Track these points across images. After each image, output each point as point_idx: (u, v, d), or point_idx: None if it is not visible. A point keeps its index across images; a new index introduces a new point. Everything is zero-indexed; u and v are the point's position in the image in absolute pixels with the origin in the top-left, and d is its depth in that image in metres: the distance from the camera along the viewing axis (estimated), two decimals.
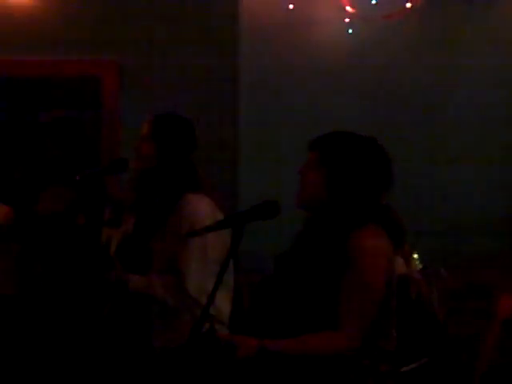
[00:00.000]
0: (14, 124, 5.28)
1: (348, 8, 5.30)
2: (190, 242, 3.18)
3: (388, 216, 2.62)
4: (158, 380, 3.25)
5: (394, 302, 2.65)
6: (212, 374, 2.77)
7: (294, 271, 2.61)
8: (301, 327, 2.52)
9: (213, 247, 3.22)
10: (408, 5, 5.28)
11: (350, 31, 5.34)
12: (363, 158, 2.59)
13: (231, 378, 2.74)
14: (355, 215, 2.55)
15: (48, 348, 4.07)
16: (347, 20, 5.32)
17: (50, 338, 4.05)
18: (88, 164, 3.94)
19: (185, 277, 3.22)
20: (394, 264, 2.63)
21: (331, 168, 2.56)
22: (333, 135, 2.65)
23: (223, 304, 3.39)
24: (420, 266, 4.07)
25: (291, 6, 5.26)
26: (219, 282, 2.50)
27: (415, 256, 4.06)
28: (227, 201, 3.52)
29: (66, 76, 5.25)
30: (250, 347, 2.43)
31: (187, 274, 3.22)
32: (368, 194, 2.58)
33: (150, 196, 3.38)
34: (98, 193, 3.88)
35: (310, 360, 2.51)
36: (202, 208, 3.28)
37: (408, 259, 3.99)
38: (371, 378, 2.54)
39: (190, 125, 3.45)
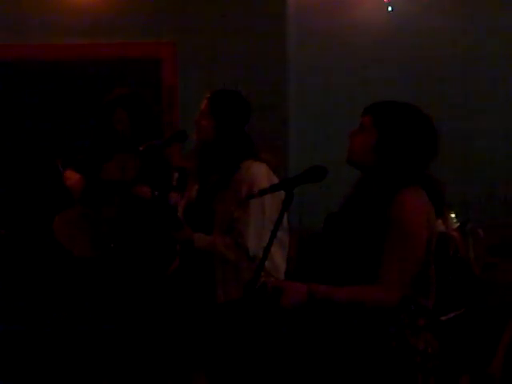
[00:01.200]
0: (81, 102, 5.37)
1: None
2: (248, 204, 3.27)
3: (431, 183, 2.63)
4: (222, 333, 3.32)
5: (433, 261, 2.65)
6: (264, 322, 2.83)
7: (343, 229, 2.66)
8: (348, 281, 2.56)
9: (270, 208, 3.31)
10: None
11: (390, 9, 5.33)
12: (413, 125, 2.61)
13: (279, 323, 2.80)
14: (400, 177, 2.58)
15: (118, 308, 4.15)
16: None
17: (125, 298, 4.12)
18: (152, 136, 4.01)
19: (245, 236, 3.33)
20: (434, 224, 2.63)
21: (382, 131, 2.58)
22: (387, 102, 2.66)
23: (279, 260, 3.49)
24: (457, 224, 4.07)
25: None
26: (273, 238, 2.58)
27: (452, 215, 4.07)
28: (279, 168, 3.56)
29: (127, 57, 5.32)
30: (299, 292, 2.47)
31: (247, 234, 3.33)
32: (414, 160, 2.60)
33: (211, 164, 3.47)
34: (162, 162, 3.95)
35: (352, 312, 2.56)
36: (260, 173, 3.38)
37: (446, 217, 4.00)
38: (409, 330, 2.58)
39: (244, 99, 3.52)
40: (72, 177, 4.21)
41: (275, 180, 3.37)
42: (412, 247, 2.52)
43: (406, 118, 2.61)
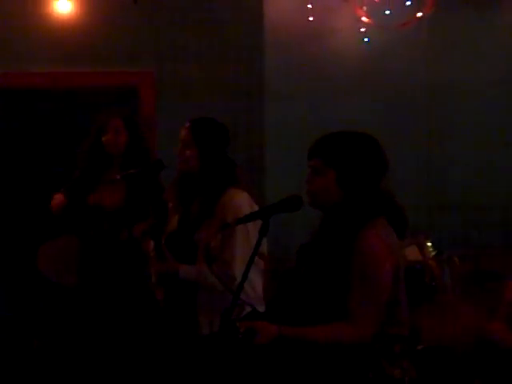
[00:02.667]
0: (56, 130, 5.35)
1: (364, 18, 5.36)
2: (233, 232, 3.25)
3: (394, 210, 2.64)
4: (206, 365, 3.29)
5: (403, 292, 2.64)
6: (234, 359, 2.81)
7: (313, 266, 2.66)
8: (318, 317, 2.56)
9: (254, 237, 3.28)
10: (419, 14, 5.31)
11: (366, 40, 5.40)
12: (362, 150, 2.61)
13: (251, 362, 2.78)
14: (365, 210, 2.58)
15: (101, 337, 4.10)
16: (363, 29, 5.38)
17: (106, 328, 4.07)
18: (142, 161, 3.97)
19: (231, 265, 3.29)
20: (399, 253, 2.63)
21: (338, 168, 2.57)
22: (327, 139, 2.64)
23: (259, 287, 3.47)
24: (434, 253, 4.09)
25: (311, 18, 5.32)
26: (250, 266, 2.57)
27: (429, 244, 4.09)
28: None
29: (104, 86, 5.32)
30: (270, 333, 2.47)
31: (233, 262, 3.29)
32: (373, 182, 2.61)
33: (195, 192, 3.44)
34: (146, 190, 3.92)
35: (325, 346, 2.56)
36: (244, 201, 3.36)
37: (422, 247, 4.02)
38: (384, 359, 2.57)
39: (223, 125, 3.52)
40: (57, 200, 4.17)
41: (256, 208, 3.35)
42: (377, 283, 2.52)
43: (352, 146, 2.61)
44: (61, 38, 5.21)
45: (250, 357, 2.68)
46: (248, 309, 2.97)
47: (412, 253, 3.96)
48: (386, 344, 2.57)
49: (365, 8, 5.35)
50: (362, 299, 2.50)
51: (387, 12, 5.33)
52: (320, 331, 2.53)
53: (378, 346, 2.56)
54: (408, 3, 5.32)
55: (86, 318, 4.08)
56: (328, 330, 2.53)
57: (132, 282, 3.98)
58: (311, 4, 5.29)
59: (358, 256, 2.51)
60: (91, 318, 4.06)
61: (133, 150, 4.10)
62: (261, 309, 3.40)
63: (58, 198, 4.13)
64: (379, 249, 2.52)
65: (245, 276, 2.58)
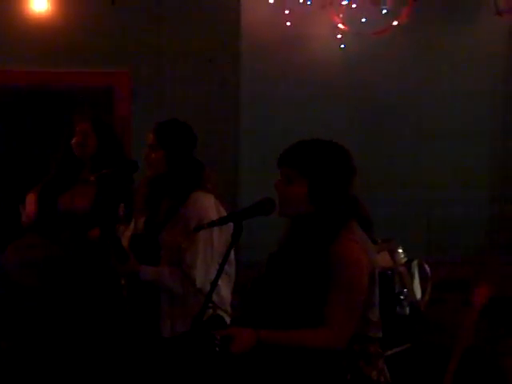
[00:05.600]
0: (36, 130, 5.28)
1: (340, 25, 5.38)
2: (197, 235, 3.23)
3: (360, 212, 2.63)
4: (167, 367, 3.27)
5: (377, 294, 2.64)
6: (209, 365, 2.79)
7: (285, 274, 2.64)
8: (291, 324, 2.54)
9: (218, 241, 3.26)
10: (395, 22, 5.35)
11: (342, 46, 5.42)
12: (333, 159, 2.58)
13: (227, 369, 2.76)
14: (340, 214, 2.57)
15: (64, 339, 4.05)
16: (339, 36, 5.40)
17: (67, 329, 4.03)
18: (114, 163, 3.93)
19: (192, 268, 3.26)
20: (374, 260, 2.60)
21: (310, 177, 2.56)
22: (299, 148, 2.63)
23: (226, 293, 3.44)
24: (405, 259, 4.10)
25: (288, 24, 5.32)
26: (221, 271, 2.55)
27: (400, 250, 4.10)
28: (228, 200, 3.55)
29: (80, 86, 5.26)
30: (247, 338, 2.44)
31: (194, 266, 3.26)
32: (344, 189, 2.59)
33: (161, 195, 3.42)
34: (119, 191, 3.88)
35: (301, 350, 2.54)
36: (209, 205, 3.33)
37: (393, 253, 4.03)
38: (361, 360, 2.57)
39: (189, 126, 3.49)
40: (28, 206, 4.13)
41: (223, 211, 3.33)
42: (355, 288, 2.50)
43: (324, 156, 2.58)
44: (36, 37, 5.13)
45: (224, 361, 2.66)
46: (215, 311, 2.96)
47: (383, 259, 3.97)
48: (362, 345, 2.56)
49: (341, 15, 5.38)
50: (340, 305, 2.48)
51: (363, 20, 5.37)
52: (297, 335, 2.51)
53: (355, 348, 2.55)
54: (384, 12, 5.36)
55: (48, 319, 4.05)
56: (306, 334, 2.51)
57: (99, 283, 3.94)
58: (288, 10, 5.30)
59: (334, 262, 2.49)
60: (53, 320, 4.03)
61: (103, 152, 4.07)
62: (227, 313, 3.39)
63: (29, 207, 4.10)
64: (356, 254, 2.50)
65: (215, 281, 2.54)
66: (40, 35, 5.15)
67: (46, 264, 4.04)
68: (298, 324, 2.53)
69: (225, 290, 3.42)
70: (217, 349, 2.41)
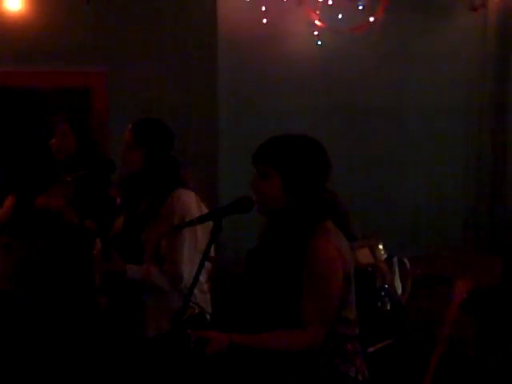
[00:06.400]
0: (12, 130, 5.22)
1: (317, 22, 5.37)
2: (181, 232, 3.21)
3: (336, 208, 2.62)
4: (152, 366, 3.25)
5: (353, 292, 2.63)
6: (185, 367, 2.78)
7: (261, 271, 2.63)
8: (268, 323, 2.54)
9: (201, 237, 3.25)
10: (371, 18, 5.35)
11: (319, 43, 5.40)
12: (307, 153, 2.58)
13: (202, 371, 2.75)
14: (315, 211, 2.56)
15: (44, 343, 4.01)
16: (316, 33, 5.39)
17: (46, 333, 3.99)
18: (91, 163, 3.90)
19: (178, 264, 3.25)
20: (349, 259, 2.59)
21: (283, 171, 2.54)
22: (272, 143, 2.60)
23: (206, 289, 3.44)
24: (385, 256, 4.10)
25: (265, 21, 5.30)
26: (201, 268, 2.54)
27: (380, 247, 4.10)
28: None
29: (56, 86, 5.21)
30: (221, 342, 2.43)
31: (181, 262, 3.25)
32: (319, 184, 2.59)
33: (140, 193, 3.39)
34: (94, 192, 3.86)
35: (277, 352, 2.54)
36: (191, 202, 3.32)
37: (374, 250, 4.03)
38: (338, 358, 2.57)
39: (166, 125, 3.47)
40: (4, 207, 4.09)
41: (204, 209, 3.33)
42: (329, 289, 2.50)
43: (296, 149, 2.57)
44: (10, 36, 5.06)
45: (200, 363, 2.65)
46: (196, 310, 2.94)
47: (364, 255, 3.97)
48: (338, 343, 2.56)
49: (318, 12, 5.37)
50: (314, 305, 2.48)
51: (340, 16, 5.37)
52: (271, 338, 2.50)
53: (330, 346, 2.55)
54: (360, 8, 5.36)
55: (23, 324, 4.01)
56: (279, 337, 2.51)
57: (75, 286, 3.91)
58: (265, 6, 5.28)
59: (309, 262, 2.48)
60: (29, 324, 3.99)
61: (81, 153, 4.04)
62: (208, 310, 3.38)
63: (5, 205, 4.06)
64: (330, 254, 2.49)
65: (195, 279, 2.54)
66: (15, 34, 5.08)
67: (18, 267, 4.01)
68: (276, 321, 2.53)
69: (205, 286, 3.42)
70: (191, 350, 2.42)
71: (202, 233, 3.22)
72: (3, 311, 4.09)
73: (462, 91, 5.79)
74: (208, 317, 3.27)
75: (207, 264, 3.35)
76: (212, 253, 3.34)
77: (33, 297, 3.98)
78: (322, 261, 2.48)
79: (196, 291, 3.23)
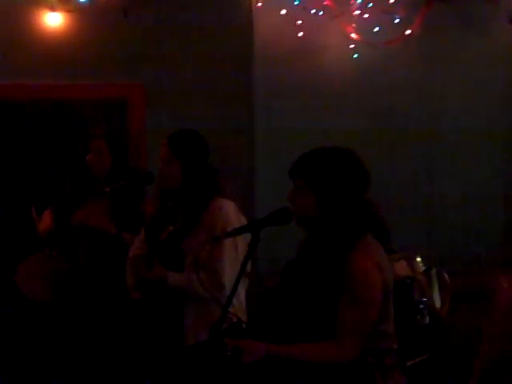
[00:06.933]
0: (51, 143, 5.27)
1: (353, 35, 5.36)
2: (223, 242, 3.23)
3: (377, 223, 2.60)
4: (190, 374, 3.25)
5: (392, 306, 2.60)
6: (220, 377, 2.78)
7: (299, 284, 2.62)
8: (304, 335, 2.53)
9: (241, 248, 3.26)
10: (407, 32, 5.33)
11: (355, 56, 5.39)
12: (340, 167, 2.55)
13: (239, 381, 2.75)
14: (354, 226, 2.54)
15: (83, 354, 4.03)
16: (352, 46, 5.38)
17: (85, 344, 4.02)
18: (126, 177, 3.94)
19: (220, 273, 3.26)
20: (389, 274, 2.57)
21: (316, 188, 2.54)
22: (304, 159, 2.60)
23: (243, 300, 3.44)
24: (423, 268, 4.06)
25: (301, 34, 5.30)
26: (239, 279, 2.56)
27: (418, 259, 4.06)
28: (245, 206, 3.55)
29: (94, 99, 5.26)
30: (257, 352, 2.44)
31: (223, 271, 3.26)
32: (357, 197, 2.56)
33: (182, 204, 3.41)
34: (130, 203, 3.89)
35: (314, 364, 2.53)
36: (231, 211, 3.33)
37: (411, 262, 3.99)
38: (377, 372, 2.54)
39: (201, 135, 3.48)
40: (44, 221, 4.14)
41: (242, 218, 3.36)
42: (366, 307, 2.49)
43: (333, 168, 2.55)
44: (50, 50, 5.13)
45: (238, 374, 2.65)
46: (234, 319, 2.94)
47: (401, 267, 3.94)
48: (377, 358, 2.54)
49: (354, 25, 5.37)
50: (352, 320, 2.46)
51: (376, 29, 5.36)
52: (306, 350, 2.49)
53: (369, 360, 2.52)
54: (397, 21, 5.34)
55: (61, 334, 4.04)
56: (315, 349, 2.50)
57: (113, 299, 3.93)
58: (301, 20, 5.29)
59: (348, 277, 2.47)
60: (67, 334, 4.02)
61: (117, 168, 4.08)
62: (244, 320, 3.37)
63: (45, 221, 4.11)
64: (370, 269, 2.48)
65: (234, 289, 2.55)
66: (55, 49, 5.15)
67: (58, 278, 4.04)
68: (312, 333, 2.52)
69: (243, 297, 3.43)
70: (227, 359, 2.42)
71: (242, 242, 3.23)
72: (42, 322, 4.13)
73: (501, 105, 5.73)
74: (244, 326, 3.27)
75: (244, 277, 3.35)
76: (248, 267, 3.34)
77: (71, 309, 4.01)
78: (361, 274, 2.46)
79: (234, 301, 3.24)
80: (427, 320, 3.84)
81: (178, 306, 3.33)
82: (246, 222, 3.25)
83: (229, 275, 3.24)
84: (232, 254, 3.28)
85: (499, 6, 5.59)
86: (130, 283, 3.52)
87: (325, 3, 5.28)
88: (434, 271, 4.07)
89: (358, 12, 5.32)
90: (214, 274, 3.26)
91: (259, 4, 5.27)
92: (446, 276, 4.14)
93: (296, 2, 5.25)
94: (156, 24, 5.23)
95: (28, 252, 4.23)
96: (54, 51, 5.14)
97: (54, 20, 5.13)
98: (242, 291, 3.41)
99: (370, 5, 5.30)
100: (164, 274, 3.29)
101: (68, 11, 5.10)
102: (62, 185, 4.26)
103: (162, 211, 3.48)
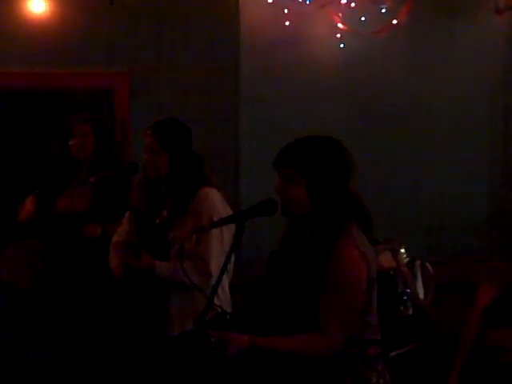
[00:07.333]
0: (35, 131, 5.25)
1: (340, 25, 5.36)
2: (209, 231, 3.21)
3: (359, 208, 2.60)
4: (175, 364, 3.25)
5: (375, 298, 2.60)
6: (204, 368, 2.79)
7: (284, 274, 2.62)
8: (289, 326, 2.54)
9: (227, 237, 3.26)
10: (394, 21, 5.33)
11: (342, 46, 5.39)
12: (329, 155, 2.54)
13: (222, 373, 2.75)
14: (340, 214, 2.53)
15: (65, 341, 4.03)
16: (339, 35, 5.37)
17: (68, 331, 4.01)
18: (111, 165, 3.92)
19: (207, 262, 3.26)
20: (373, 264, 2.56)
21: (310, 178, 2.52)
22: (293, 147, 2.57)
23: (228, 290, 3.46)
24: (407, 259, 4.07)
25: (287, 23, 5.29)
26: (225, 269, 2.56)
27: (402, 250, 4.07)
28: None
29: (79, 87, 5.23)
30: (241, 344, 2.44)
31: (209, 260, 3.27)
32: (343, 186, 2.56)
33: (166, 194, 3.40)
34: (116, 193, 3.88)
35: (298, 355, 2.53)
36: (218, 200, 3.34)
37: (396, 253, 4.01)
38: (360, 363, 2.55)
39: (181, 122, 3.47)
40: (25, 207, 4.11)
41: (227, 206, 3.36)
42: (351, 296, 2.49)
43: (322, 154, 2.54)
44: (35, 38, 5.09)
45: (222, 365, 2.65)
46: (218, 310, 2.95)
47: (386, 259, 3.95)
48: (361, 348, 2.55)
49: (341, 14, 5.35)
50: (337, 310, 2.46)
51: (363, 18, 5.34)
52: (291, 342, 2.49)
53: (353, 351, 2.53)
54: (383, 10, 5.33)
55: (47, 322, 4.03)
56: (300, 340, 2.50)
57: (97, 285, 3.92)
58: (287, 9, 5.27)
59: (332, 266, 2.46)
60: (52, 322, 4.01)
61: (101, 154, 4.06)
62: (228, 310, 3.39)
63: (27, 206, 4.08)
64: (354, 258, 2.47)
65: (219, 279, 2.55)
66: (38, 36, 5.10)
67: (44, 266, 4.02)
68: (297, 324, 2.52)
69: (227, 287, 3.44)
70: (212, 351, 2.41)
71: (228, 232, 3.23)
72: (26, 309, 4.12)
73: (487, 94, 5.74)
74: (228, 317, 3.27)
75: (228, 266, 3.36)
76: (232, 257, 3.35)
77: (55, 295, 4.00)
78: (345, 265, 2.46)
79: (219, 291, 3.25)
80: (410, 311, 3.86)
81: (164, 296, 3.34)
82: (231, 211, 3.25)
83: (215, 264, 3.24)
84: (219, 244, 3.29)
85: None
86: (114, 265, 3.50)
87: None
88: (417, 262, 4.09)
89: (344, 1, 5.30)
90: (202, 261, 3.26)
91: None
92: (430, 267, 4.16)
93: None
94: (141, 11, 5.20)
95: (11, 240, 4.21)
96: (38, 38, 5.10)
97: (37, 7, 5.08)
98: (226, 282, 3.42)
99: None
100: (152, 263, 3.29)
101: None
102: (45, 171, 4.24)
103: (153, 198, 3.47)
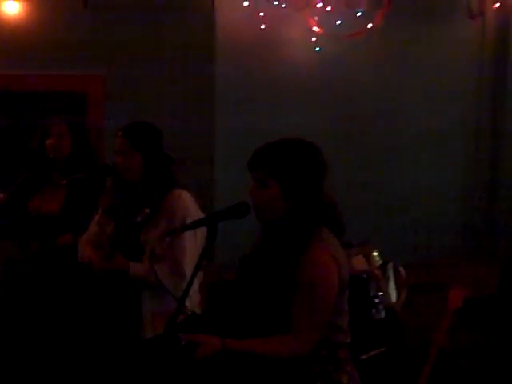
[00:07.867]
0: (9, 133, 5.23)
1: (315, 28, 5.38)
2: (183, 233, 3.22)
3: (332, 211, 2.61)
4: (147, 367, 3.25)
5: (346, 300, 2.60)
6: (174, 371, 2.79)
7: (255, 277, 2.62)
8: (261, 329, 2.53)
9: (200, 239, 3.26)
10: (369, 25, 5.37)
11: (318, 49, 5.41)
12: (302, 157, 2.54)
13: (192, 375, 2.75)
14: (312, 217, 2.54)
15: (33, 345, 4.01)
16: (314, 39, 5.39)
17: (34, 336, 3.99)
18: (87, 166, 3.92)
19: (182, 263, 3.26)
20: (344, 267, 2.55)
21: (281, 179, 2.50)
22: (266, 150, 2.56)
23: (198, 290, 3.45)
24: (380, 263, 4.11)
25: (263, 26, 5.31)
26: (196, 271, 2.56)
27: (375, 253, 4.10)
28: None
29: (53, 90, 5.21)
30: (212, 346, 2.42)
31: (184, 261, 3.26)
32: (316, 189, 2.55)
33: (137, 196, 3.40)
34: (89, 195, 3.87)
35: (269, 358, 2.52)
36: (190, 202, 3.34)
37: (369, 256, 4.04)
38: (331, 365, 2.56)
39: (152, 124, 3.48)
40: None
41: (198, 209, 3.36)
42: (324, 297, 2.47)
43: (293, 156, 2.54)
44: (8, 39, 5.07)
45: (192, 368, 2.65)
46: (188, 313, 2.96)
47: (359, 262, 3.98)
48: (331, 351, 2.55)
49: (316, 18, 5.38)
50: (308, 312, 2.46)
51: (338, 22, 5.37)
52: (262, 344, 2.48)
53: (323, 353, 2.55)
54: (359, 14, 5.37)
55: (11, 323, 4.01)
56: (271, 343, 2.48)
57: (64, 291, 3.91)
58: (263, 12, 5.29)
59: (303, 269, 2.46)
60: (17, 322, 3.99)
61: (76, 154, 4.05)
62: (199, 312, 3.39)
63: None
64: (326, 262, 2.47)
65: (190, 281, 2.55)
66: (12, 38, 5.09)
67: (7, 268, 4.01)
68: (268, 327, 2.51)
69: (197, 289, 3.44)
70: (181, 353, 2.40)
71: (200, 234, 3.23)
72: None
73: (461, 97, 5.79)
74: (199, 320, 3.29)
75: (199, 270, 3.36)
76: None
77: (19, 299, 3.98)
78: (316, 268, 2.46)
79: (191, 292, 3.25)
80: (383, 314, 3.89)
81: (136, 298, 3.33)
82: (202, 214, 3.26)
83: (190, 265, 3.24)
84: (193, 244, 3.28)
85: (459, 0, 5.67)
86: (86, 254, 3.49)
87: None
88: (390, 265, 4.12)
89: (320, 5, 5.33)
90: (175, 262, 3.26)
91: None
92: (402, 270, 4.19)
93: None
94: (116, 14, 5.18)
95: None
96: (12, 40, 5.09)
97: (11, 8, 5.06)
98: (196, 284, 3.42)
99: None
100: (126, 264, 3.29)
101: None
102: (18, 171, 4.22)
103: (130, 198, 3.46)
